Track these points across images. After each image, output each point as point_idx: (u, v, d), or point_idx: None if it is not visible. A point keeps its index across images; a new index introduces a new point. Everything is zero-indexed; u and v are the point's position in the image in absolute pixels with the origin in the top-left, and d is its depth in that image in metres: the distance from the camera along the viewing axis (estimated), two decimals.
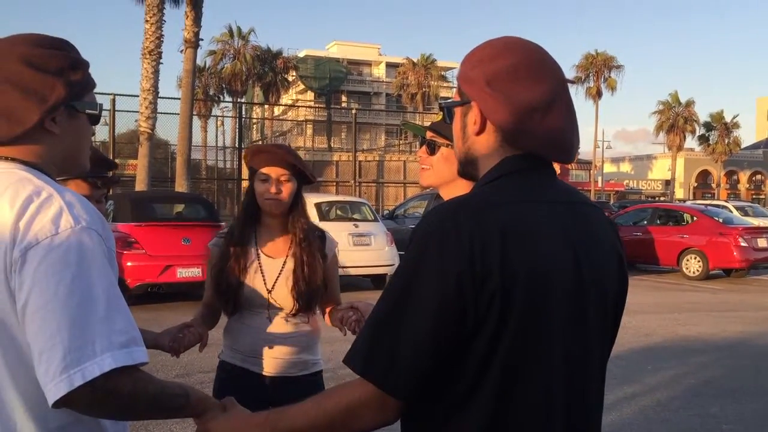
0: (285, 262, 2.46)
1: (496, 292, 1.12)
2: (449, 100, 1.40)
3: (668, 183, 54.89)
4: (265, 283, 2.42)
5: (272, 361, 2.44)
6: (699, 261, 14.89)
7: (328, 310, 2.58)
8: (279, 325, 2.45)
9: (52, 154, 1.37)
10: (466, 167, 1.35)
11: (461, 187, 1.85)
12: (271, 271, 2.44)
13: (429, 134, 1.92)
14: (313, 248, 2.48)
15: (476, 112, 1.28)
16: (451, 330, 1.12)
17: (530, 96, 1.23)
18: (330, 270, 2.56)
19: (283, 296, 2.42)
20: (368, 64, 63.66)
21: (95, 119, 1.44)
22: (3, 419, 1.23)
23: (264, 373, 2.44)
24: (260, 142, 40.24)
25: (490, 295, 1.12)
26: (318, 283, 2.45)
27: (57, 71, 1.33)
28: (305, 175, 2.49)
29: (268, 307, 2.43)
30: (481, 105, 1.26)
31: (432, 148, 1.91)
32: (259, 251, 2.47)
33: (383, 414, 1.17)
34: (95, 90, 1.45)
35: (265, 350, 2.44)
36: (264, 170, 2.41)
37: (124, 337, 1.21)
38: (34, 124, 1.31)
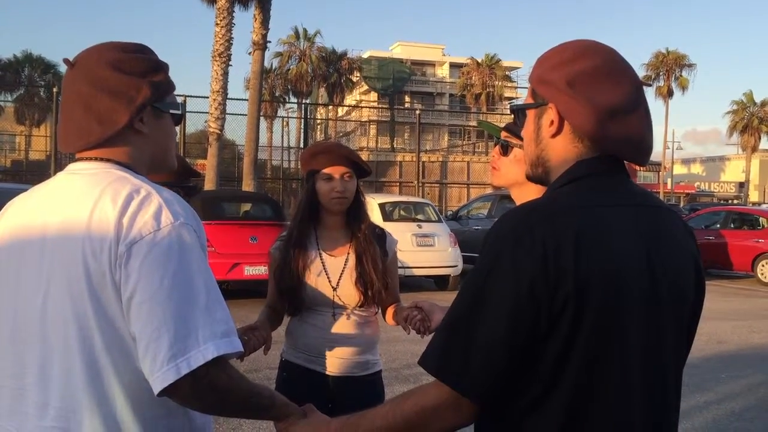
0: (347, 259, 2.48)
1: (570, 295, 1.12)
2: (521, 103, 1.39)
3: (742, 185, 52.96)
4: (329, 282, 2.45)
5: (335, 360, 2.46)
6: None
7: (389, 309, 2.59)
8: (343, 325, 2.47)
9: (142, 154, 1.44)
10: (537, 170, 1.34)
11: (533, 189, 1.84)
12: (335, 269, 2.47)
13: (504, 134, 1.92)
14: (373, 242, 2.51)
15: (554, 113, 1.27)
16: (525, 331, 1.12)
17: (612, 98, 1.23)
18: (390, 268, 2.58)
19: (347, 292, 2.44)
20: (432, 64, 63.45)
21: (178, 119, 1.51)
22: (103, 406, 1.29)
23: (327, 373, 2.46)
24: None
25: (564, 298, 1.12)
26: (380, 275, 2.47)
27: (141, 73, 1.40)
28: (362, 170, 2.53)
29: (333, 305, 2.45)
30: (561, 107, 1.26)
31: (505, 149, 1.90)
32: (321, 250, 2.49)
33: (459, 415, 1.18)
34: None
35: (329, 350, 2.46)
36: (327, 170, 2.44)
37: (224, 327, 1.26)
38: (125, 125, 1.38)
